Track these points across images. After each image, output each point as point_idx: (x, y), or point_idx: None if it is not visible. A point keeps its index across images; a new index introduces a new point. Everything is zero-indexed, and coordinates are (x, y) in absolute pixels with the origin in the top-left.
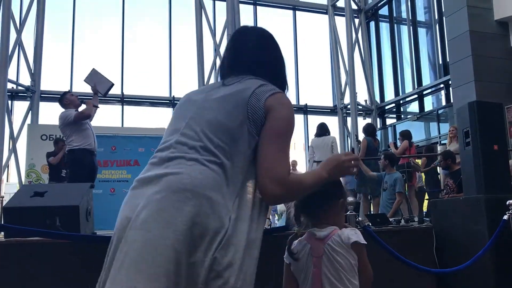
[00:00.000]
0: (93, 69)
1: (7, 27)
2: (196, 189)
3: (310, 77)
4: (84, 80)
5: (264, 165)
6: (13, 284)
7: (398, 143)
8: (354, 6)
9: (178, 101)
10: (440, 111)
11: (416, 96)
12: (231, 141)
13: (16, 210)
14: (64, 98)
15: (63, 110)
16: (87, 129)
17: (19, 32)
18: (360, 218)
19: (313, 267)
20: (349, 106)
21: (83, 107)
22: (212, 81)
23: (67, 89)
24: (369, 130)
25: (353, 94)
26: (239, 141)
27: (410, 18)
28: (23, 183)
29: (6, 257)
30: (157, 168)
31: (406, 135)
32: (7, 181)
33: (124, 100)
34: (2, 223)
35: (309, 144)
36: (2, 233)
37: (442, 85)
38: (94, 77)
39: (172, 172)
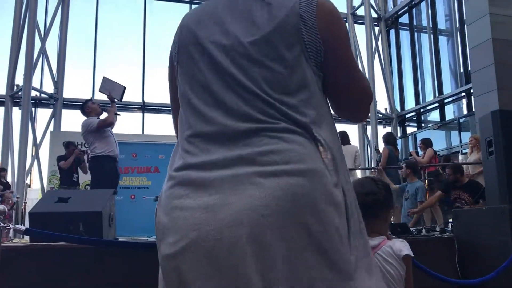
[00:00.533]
0: (104, 77)
1: (32, 36)
2: None
3: None
4: (99, 91)
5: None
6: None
7: (419, 151)
8: (374, 15)
9: None
10: (461, 120)
11: (437, 104)
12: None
13: (41, 215)
14: (86, 106)
15: (85, 118)
16: (110, 136)
17: (43, 41)
18: None
19: None
20: (369, 115)
21: (104, 115)
22: None
23: (89, 96)
24: (390, 139)
25: (373, 103)
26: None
27: (431, 26)
28: (45, 189)
29: (31, 261)
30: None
31: (429, 143)
32: (30, 186)
33: (145, 107)
34: (28, 227)
35: None
36: (28, 237)
37: (463, 94)
38: (107, 85)
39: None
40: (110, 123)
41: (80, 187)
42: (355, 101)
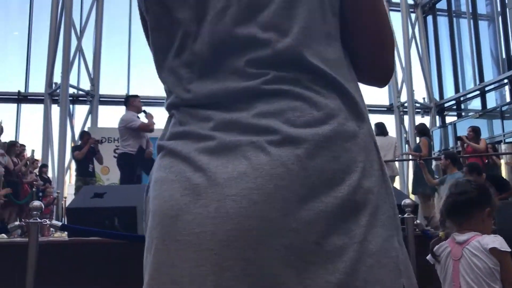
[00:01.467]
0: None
1: (69, 34)
2: None
3: None
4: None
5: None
6: (74, 282)
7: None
8: (410, 1)
9: None
10: (504, 108)
11: (478, 92)
12: None
13: (78, 210)
14: (132, 100)
15: (126, 111)
16: (144, 137)
17: (79, 39)
18: (418, 221)
19: (452, 269)
20: (406, 104)
21: (142, 116)
22: None
23: (124, 93)
24: (426, 130)
25: (411, 92)
26: None
27: (471, 11)
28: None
29: (69, 256)
30: None
31: (479, 131)
32: (69, 182)
33: None
34: (65, 223)
35: None
36: (66, 232)
37: (506, 81)
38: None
39: None
40: (151, 130)
41: (96, 179)
42: (378, 37)
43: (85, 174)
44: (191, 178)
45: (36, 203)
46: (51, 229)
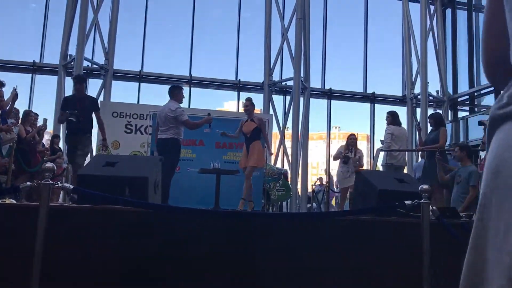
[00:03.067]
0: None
1: (85, 7)
2: None
3: (380, 65)
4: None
5: None
6: (84, 248)
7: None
8: None
9: (244, 84)
10: None
11: (492, 88)
12: None
13: (89, 177)
14: (177, 93)
15: (170, 102)
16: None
17: (96, 12)
18: (434, 207)
19: None
20: (419, 97)
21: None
22: (278, 66)
23: (138, 68)
24: (443, 120)
25: (425, 84)
26: None
27: None
28: None
29: (77, 222)
30: None
31: None
32: None
33: (192, 81)
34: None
35: (389, 131)
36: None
37: None
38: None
39: None
40: (194, 128)
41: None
42: None
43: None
44: None
45: (49, 164)
46: (59, 199)
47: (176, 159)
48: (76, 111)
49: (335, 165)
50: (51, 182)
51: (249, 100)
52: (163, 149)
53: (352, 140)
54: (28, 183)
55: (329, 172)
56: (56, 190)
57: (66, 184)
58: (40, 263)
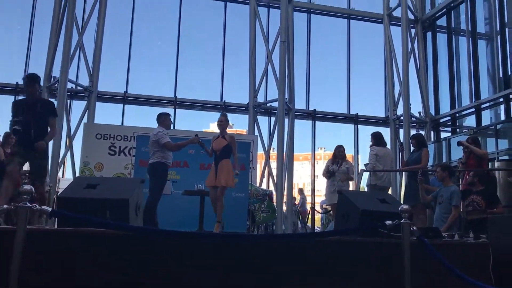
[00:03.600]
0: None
1: (70, 30)
2: None
3: (363, 87)
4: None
5: None
6: (63, 273)
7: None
8: (411, 16)
9: (229, 106)
10: (499, 126)
11: (473, 109)
12: None
13: (69, 200)
14: (164, 119)
15: (157, 127)
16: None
17: (81, 34)
18: (414, 228)
19: None
20: (402, 118)
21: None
22: (263, 87)
23: (122, 90)
24: (425, 140)
25: (407, 105)
26: None
27: (470, 29)
28: None
29: (57, 245)
30: None
31: (478, 140)
32: (63, 177)
33: (177, 103)
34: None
35: (373, 152)
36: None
37: (501, 99)
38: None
39: None
40: (176, 150)
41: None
42: None
43: None
44: None
45: (27, 187)
46: (40, 222)
47: (163, 182)
48: (22, 118)
49: (320, 185)
50: (28, 204)
51: (224, 115)
52: (151, 173)
53: (339, 152)
54: (5, 206)
55: (313, 191)
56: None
57: (44, 207)
58: (17, 286)
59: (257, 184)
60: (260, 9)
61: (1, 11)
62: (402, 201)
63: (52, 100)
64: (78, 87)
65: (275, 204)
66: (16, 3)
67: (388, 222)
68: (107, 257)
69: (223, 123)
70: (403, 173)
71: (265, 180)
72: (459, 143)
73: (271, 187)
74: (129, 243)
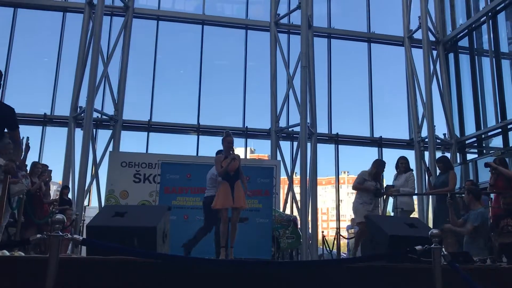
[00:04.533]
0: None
1: (96, 61)
2: None
3: (386, 109)
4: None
5: None
6: None
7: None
8: (432, 38)
9: (251, 131)
10: None
11: (500, 130)
12: None
13: (98, 228)
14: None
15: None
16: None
17: (106, 65)
18: (445, 252)
19: None
20: (426, 140)
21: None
22: (284, 112)
23: (147, 118)
24: (451, 163)
25: (432, 127)
26: None
27: (493, 49)
28: None
29: (88, 273)
30: None
31: (505, 161)
32: (88, 205)
33: (200, 130)
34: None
35: (413, 177)
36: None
37: None
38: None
39: None
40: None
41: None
42: None
43: None
44: None
45: (59, 216)
46: (67, 251)
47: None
48: None
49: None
50: (61, 234)
51: (231, 135)
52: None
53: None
54: (38, 235)
55: (338, 218)
56: (65, 241)
57: (76, 236)
58: None
59: (281, 210)
60: (281, 35)
61: (29, 44)
62: (431, 225)
63: (78, 129)
64: (104, 116)
65: (299, 229)
66: (43, 36)
67: (418, 247)
68: (137, 284)
69: (232, 143)
70: (430, 196)
71: (288, 205)
72: (486, 165)
73: (295, 212)
74: (157, 270)
